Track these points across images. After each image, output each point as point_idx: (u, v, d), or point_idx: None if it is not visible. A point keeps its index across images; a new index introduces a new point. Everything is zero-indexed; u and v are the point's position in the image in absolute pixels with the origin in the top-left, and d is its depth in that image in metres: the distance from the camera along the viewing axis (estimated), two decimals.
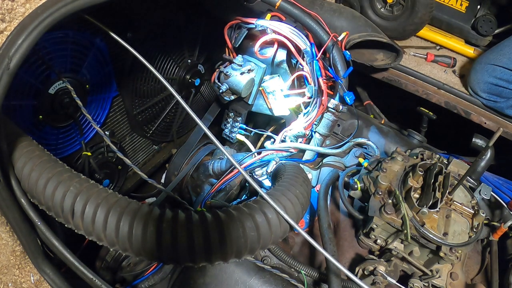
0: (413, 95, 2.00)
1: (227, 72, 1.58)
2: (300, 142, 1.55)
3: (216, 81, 1.63)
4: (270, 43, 1.58)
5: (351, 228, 1.39)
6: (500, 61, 1.71)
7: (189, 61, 1.90)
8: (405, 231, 1.13)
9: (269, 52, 1.59)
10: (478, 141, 1.57)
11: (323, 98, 1.53)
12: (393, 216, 1.16)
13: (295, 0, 1.55)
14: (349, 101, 1.56)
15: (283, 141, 1.56)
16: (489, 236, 1.33)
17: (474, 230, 1.20)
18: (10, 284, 0.93)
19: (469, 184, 1.39)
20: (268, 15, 1.57)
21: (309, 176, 1.52)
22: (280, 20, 1.57)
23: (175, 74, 1.87)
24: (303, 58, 1.54)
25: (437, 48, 2.17)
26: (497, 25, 2.07)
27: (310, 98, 1.57)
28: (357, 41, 1.69)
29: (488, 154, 1.42)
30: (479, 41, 2.14)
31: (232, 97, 1.65)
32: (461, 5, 2.15)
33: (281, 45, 1.57)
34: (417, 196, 1.23)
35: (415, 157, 1.38)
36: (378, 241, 1.25)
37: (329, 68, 1.56)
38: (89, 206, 0.80)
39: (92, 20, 1.08)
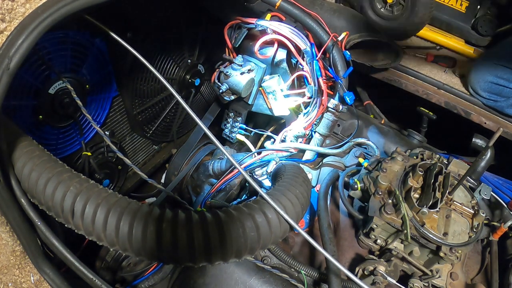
0: (413, 95, 2.00)
1: (227, 72, 1.58)
2: (300, 142, 1.55)
3: (216, 81, 1.63)
4: (270, 43, 1.58)
5: (351, 228, 1.39)
6: (500, 60, 1.71)
7: (189, 61, 1.90)
8: (405, 231, 1.13)
9: (269, 52, 1.59)
10: (478, 141, 1.57)
11: (323, 98, 1.53)
12: (393, 216, 1.16)
13: (295, 0, 1.55)
14: (349, 101, 1.56)
15: (283, 141, 1.55)
16: (489, 236, 1.33)
17: (474, 230, 1.20)
18: (10, 284, 0.93)
19: (469, 184, 1.39)
20: (268, 15, 1.57)
21: (309, 176, 1.52)
22: (280, 20, 1.57)
23: (175, 74, 1.87)
24: (303, 58, 1.55)
25: (437, 48, 2.17)
26: (497, 25, 2.07)
27: (310, 98, 1.57)
28: (357, 41, 1.69)
29: (488, 154, 1.42)
30: (479, 41, 2.14)
31: (232, 97, 1.65)
32: (461, 5, 2.15)
33: (281, 45, 1.57)
34: (417, 196, 1.23)
35: (415, 157, 1.38)
36: (378, 241, 1.25)
37: (329, 68, 1.57)
38: (89, 206, 0.80)
39: (92, 20, 1.08)
